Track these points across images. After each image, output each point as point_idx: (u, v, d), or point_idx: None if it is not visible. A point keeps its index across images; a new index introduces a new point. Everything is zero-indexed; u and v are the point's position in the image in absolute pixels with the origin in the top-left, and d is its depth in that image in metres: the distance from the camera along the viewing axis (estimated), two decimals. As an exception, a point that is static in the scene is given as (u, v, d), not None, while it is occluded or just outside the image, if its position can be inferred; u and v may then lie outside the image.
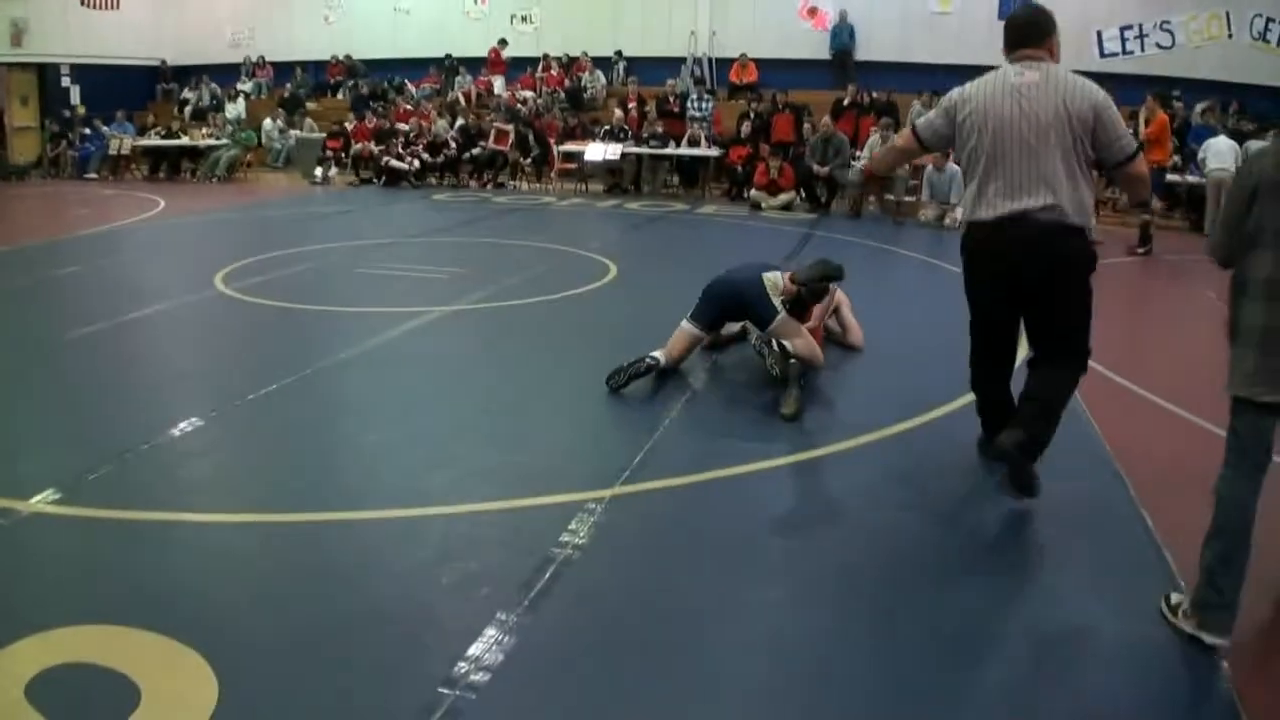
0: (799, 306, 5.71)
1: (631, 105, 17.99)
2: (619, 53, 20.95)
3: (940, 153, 13.52)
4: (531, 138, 17.61)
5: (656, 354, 5.71)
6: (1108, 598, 3.49)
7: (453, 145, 17.81)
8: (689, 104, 17.77)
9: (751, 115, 16.66)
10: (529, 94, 19.87)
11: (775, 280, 5.72)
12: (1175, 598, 3.32)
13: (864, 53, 19.31)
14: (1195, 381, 6.11)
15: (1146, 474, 4.56)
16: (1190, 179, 13.76)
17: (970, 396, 4.77)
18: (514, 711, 2.79)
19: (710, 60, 20.18)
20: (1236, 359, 3.15)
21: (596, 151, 16.63)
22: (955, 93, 4.29)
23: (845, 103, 16.68)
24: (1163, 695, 2.97)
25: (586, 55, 20.72)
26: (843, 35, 19.32)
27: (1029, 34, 4.16)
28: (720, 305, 5.86)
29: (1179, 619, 3.23)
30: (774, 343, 5.65)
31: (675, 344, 5.79)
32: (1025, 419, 4.17)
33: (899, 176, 14.00)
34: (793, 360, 5.52)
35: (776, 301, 5.63)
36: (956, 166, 13.79)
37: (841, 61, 19.20)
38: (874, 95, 16.90)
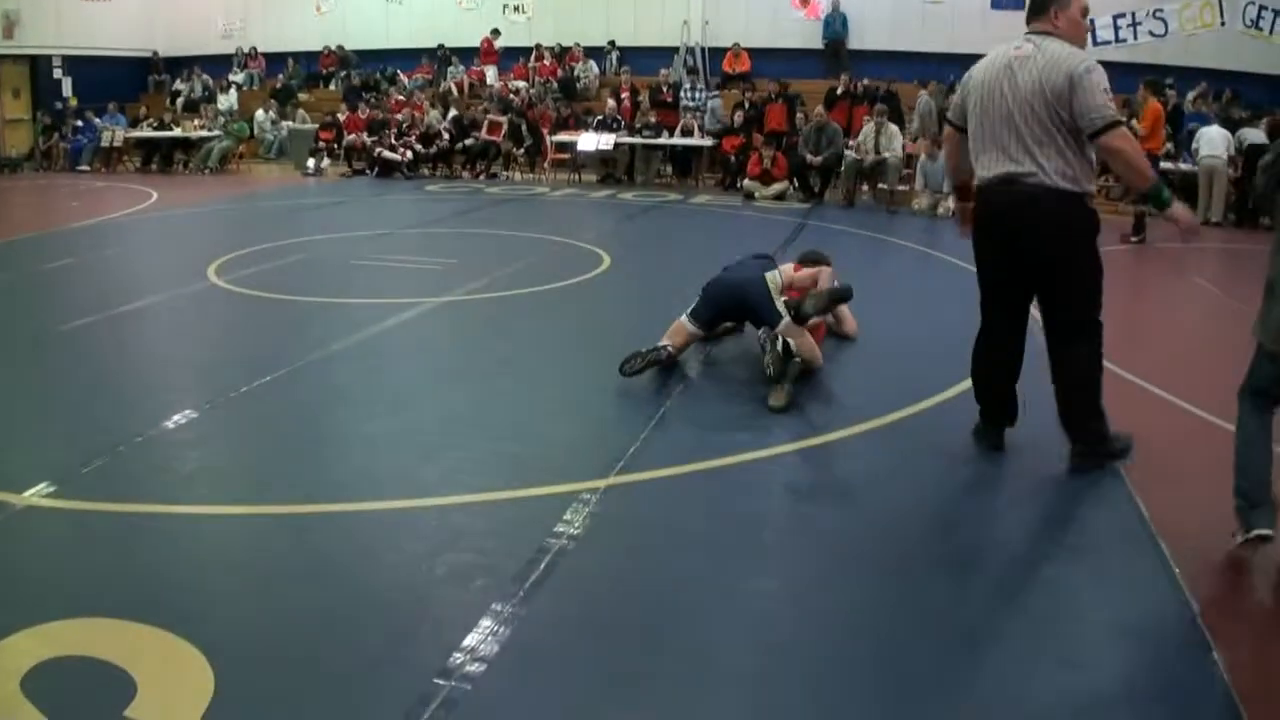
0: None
1: (624, 95, 17.95)
2: (612, 43, 20.90)
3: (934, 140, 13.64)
4: (524, 128, 17.57)
5: (666, 343, 5.69)
6: (1104, 591, 3.50)
7: (445, 136, 17.77)
8: (682, 94, 17.73)
9: (745, 105, 16.63)
10: (522, 84, 19.83)
11: (777, 280, 5.68)
12: None
13: (856, 42, 19.28)
14: (1190, 370, 6.14)
15: (1142, 463, 4.56)
16: (1183, 167, 13.77)
17: (966, 384, 4.78)
18: (509, 702, 2.80)
19: (703, 50, 20.13)
20: (1267, 311, 3.58)
21: (589, 141, 16.60)
22: (970, 70, 4.49)
23: (839, 92, 16.65)
24: (1161, 690, 2.96)
25: (579, 45, 20.67)
26: (835, 24, 19.28)
27: (1034, 7, 4.31)
28: (720, 307, 5.81)
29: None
30: (779, 340, 5.55)
31: (673, 337, 5.76)
32: (1076, 433, 4.43)
33: (891, 165, 14.00)
34: (795, 359, 5.47)
35: (780, 304, 5.59)
36: None
37: (834, 51, 19.17)
38: (865, 84, 16.88)
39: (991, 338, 4.56)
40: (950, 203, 13.12)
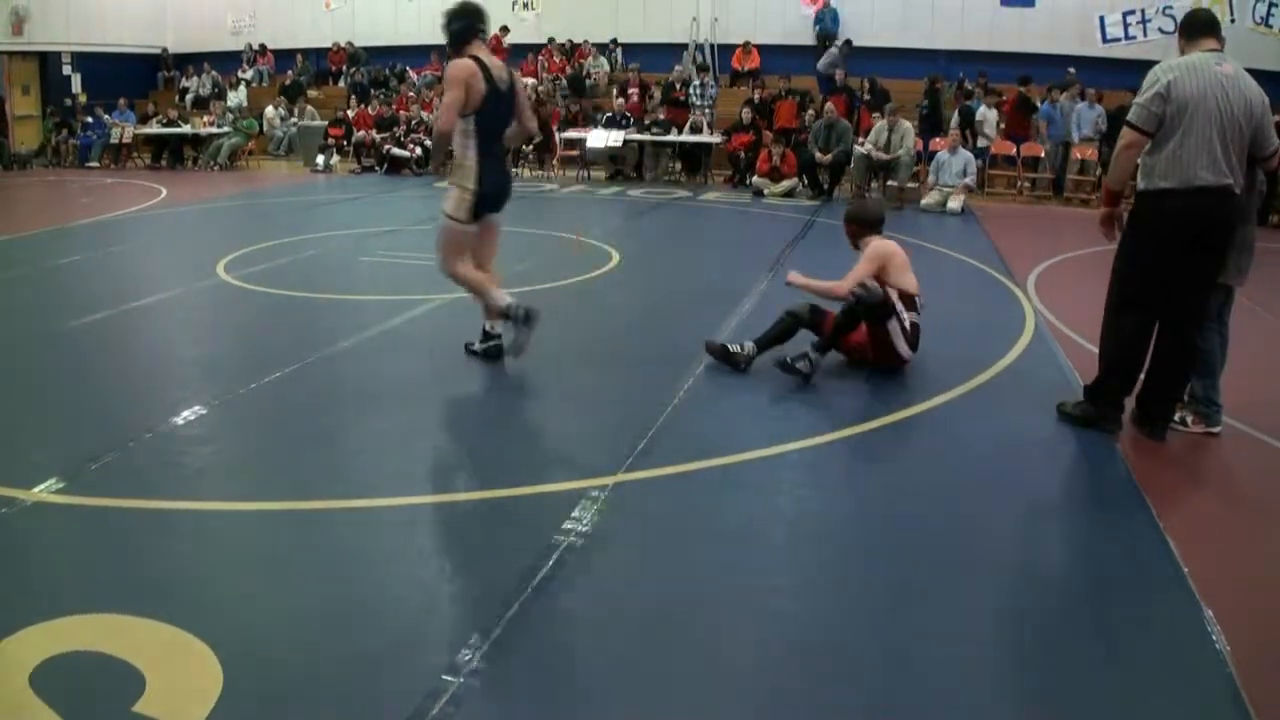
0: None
1: (633, 92, 17.93)
2: (614, 40, 20.91)
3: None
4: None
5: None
6: (1111, 595, 3.50)
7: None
8: (691, 90, 17.71)
9: (755, 101, 16.61)
10: (530, 81, 19.81)
11: None
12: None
13: (863, 38, 19.25)
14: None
15: (1155, 470, 4.54)
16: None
17: (977, 381, 4.76)
18: (517, 699, 2.80)
19: (713, 47, 20.12)
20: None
21: (598, 138, 16.59)
22: (1162, 75, 4.60)
23: (837, 84, 16.73)
24: (1164, 688, 2.96)
25: (588, 42, 20.67)
26: (825, 20, 19.21)
27: (1215, 26, 4.71)
28: None
29: (1190, 427, 4.88)
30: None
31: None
32: (1176, 399, 4.92)
33: (903, 163, 13.95)
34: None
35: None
36: (968, 152, 13.81)
37: (822, 45, 18.96)
38: (863, 81, 16.92)
39: (1145, 323, 4.79)
40: (956, 201, 13.15)
